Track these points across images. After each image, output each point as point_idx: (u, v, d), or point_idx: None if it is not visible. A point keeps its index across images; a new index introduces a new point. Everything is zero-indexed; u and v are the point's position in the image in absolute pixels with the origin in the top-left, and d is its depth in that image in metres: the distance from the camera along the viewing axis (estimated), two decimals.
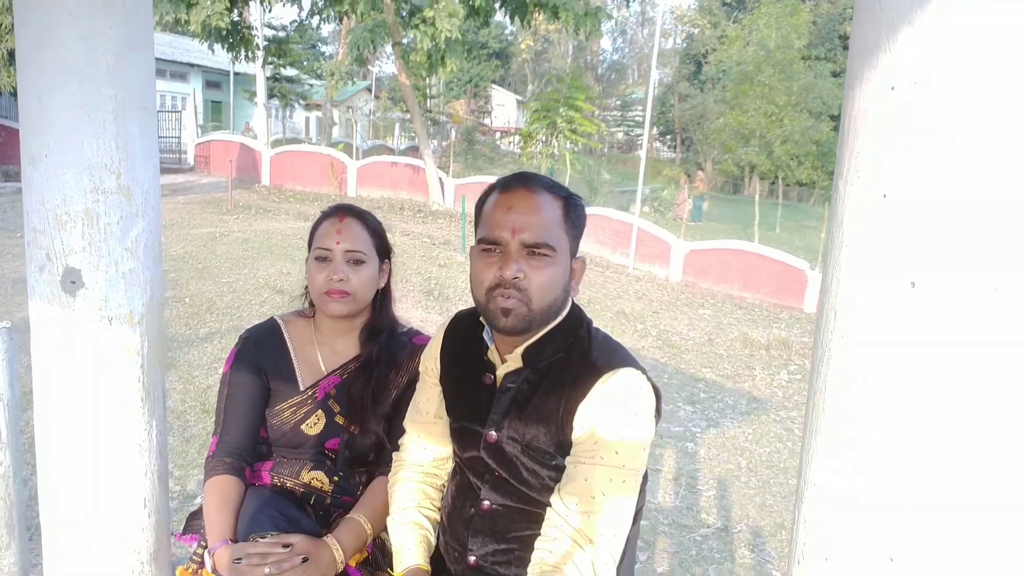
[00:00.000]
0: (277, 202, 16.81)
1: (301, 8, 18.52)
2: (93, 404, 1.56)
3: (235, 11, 17.57)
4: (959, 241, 0.78)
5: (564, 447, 1.33)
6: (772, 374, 8.36)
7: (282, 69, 24.82)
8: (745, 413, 7.00)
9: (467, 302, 1.52)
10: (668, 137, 42.69)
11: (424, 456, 1.57)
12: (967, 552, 0.81)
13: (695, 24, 39.77)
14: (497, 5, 15.88)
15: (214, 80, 29.50)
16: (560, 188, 1.40)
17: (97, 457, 1.59)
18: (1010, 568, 0.79)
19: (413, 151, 22.48)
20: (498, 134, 35.51)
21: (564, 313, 1.40)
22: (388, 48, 19.17)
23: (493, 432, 1.39)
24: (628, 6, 23.55)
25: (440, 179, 17.99)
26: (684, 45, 42.37)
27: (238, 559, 1.40)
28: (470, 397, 1.45)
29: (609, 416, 1.29)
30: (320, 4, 17.71)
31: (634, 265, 14.59)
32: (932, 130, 0.78)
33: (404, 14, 16.55)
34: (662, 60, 39.61)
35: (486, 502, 1.41)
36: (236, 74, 27.23)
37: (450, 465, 1.57)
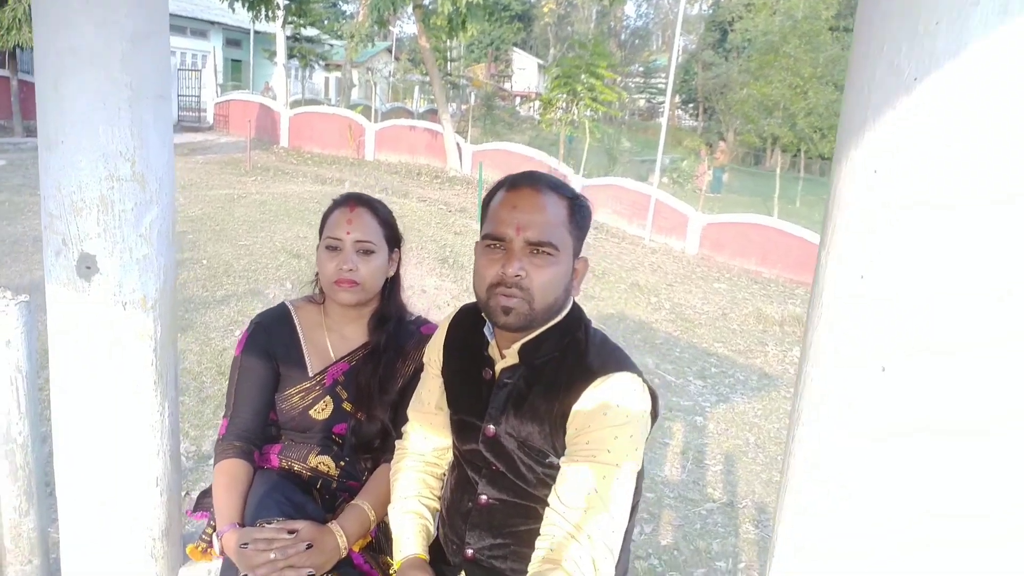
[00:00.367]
0: (295, 164, 16.81)
1: None
2: (108, 387, 1.60)
3: None
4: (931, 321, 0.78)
5: (558, 447, 1.36)
6: (785, 351, 8.36)
7: (302, 29, 24.61)
8: (756, 389, 7.02)
9: None
10: (691, 106, 42.14)
11: (425, 445, 1.60)
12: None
13: None
14: None
15: (234, 38, 29.29)
16: (566, 188, 1.41)
17: (112, 438, 1.63)
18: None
19: (432, 114, 22.33)
20: (518, 99, 35.19)
21: (564, 313, 1.42)
22: (409, 9, 18.94)
23: (491, 426, 1.41)
24: None
25: (458, 145, 17.90)
26: (710, 12, 41.59)
27: (245, 544, 1.44)
28: (469, 391, 1.48)
29: (602, 418, 1.30)
30: None
31: (650, 237, 14.52)
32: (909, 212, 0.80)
33: None
34: (687, 27, 38.89)
35: (483, 497, 1.44)
36: (256, 33, 27.04)
37: (451, 455, 1.60)
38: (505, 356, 1.43)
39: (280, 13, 20.83)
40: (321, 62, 27.92)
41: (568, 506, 1.30)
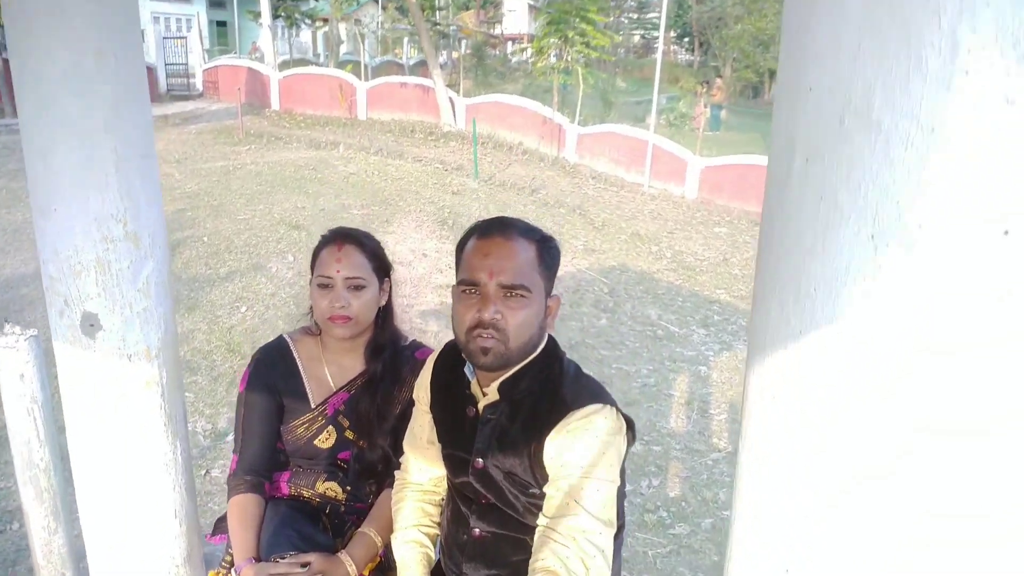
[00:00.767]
0: (288, 128, 16.67)
1: None
2: (120, 433, 1.70)
3: None
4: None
5: (539, 478, 1.45)
6: None
7: None
8: None
9: None
10: (686, 40, 41.32)
11: (422, 476, 1.70)
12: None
13: None
14: None
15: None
16: (534, 232, 1.48)
17: (127, 479, 1.73)
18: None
19: (423, 66, 22.01)
20: (509, 43, 34.51)
21: (539, 349, 1.50)
22: None
23: (480, 460, 1.50)
24: None
25: (451, 99, 17.69)
26: None
27: None
28: (457, 427, 1.57)
29: (575, 447, 1.39)
30: None
31: (649, 183, 14.46)
32: None
33: None
34: None
35: (476, 530, 1.54)
36: None
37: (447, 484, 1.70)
38: (487, 394, 1.51)
39: None
40: (307, 20, 27.40)
41: (551, 517, 1.39)
